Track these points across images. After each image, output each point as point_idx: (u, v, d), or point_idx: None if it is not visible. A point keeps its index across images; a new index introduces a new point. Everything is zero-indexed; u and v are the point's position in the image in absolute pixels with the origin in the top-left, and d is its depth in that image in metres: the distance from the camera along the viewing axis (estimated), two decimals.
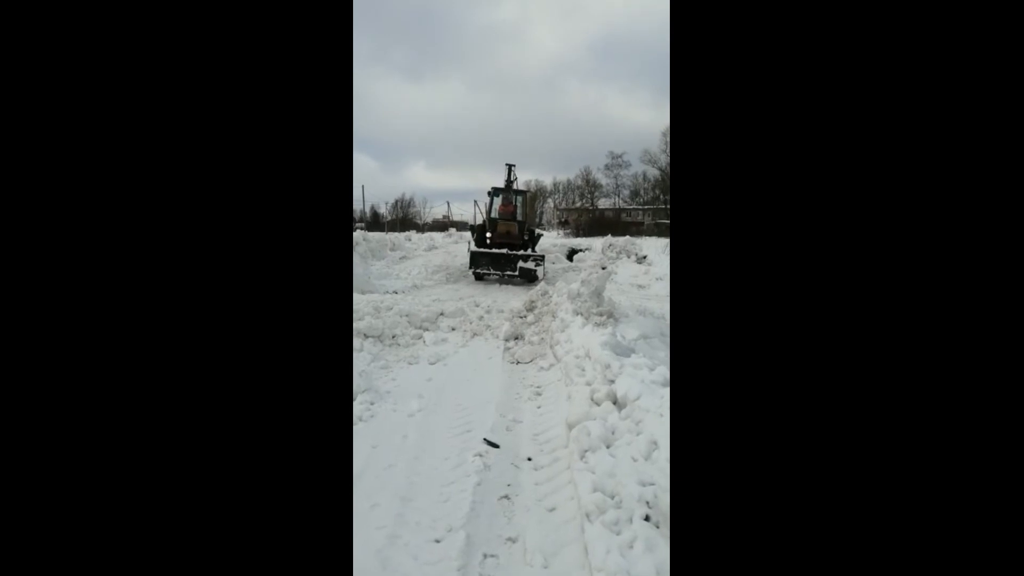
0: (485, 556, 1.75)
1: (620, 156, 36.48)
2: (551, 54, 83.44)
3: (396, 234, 17.93)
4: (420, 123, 69.73)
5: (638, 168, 36.01)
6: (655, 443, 2.08)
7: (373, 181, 68.87)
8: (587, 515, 1.78)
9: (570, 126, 56.49)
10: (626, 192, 37.55)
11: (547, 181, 43.00)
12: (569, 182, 40.70)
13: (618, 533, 1.64)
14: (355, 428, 2.84)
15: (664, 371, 2.84)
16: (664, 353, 4.23)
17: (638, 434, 2.20)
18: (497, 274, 9.27)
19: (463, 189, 72.40)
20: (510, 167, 11.27)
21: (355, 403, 3.19)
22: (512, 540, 1.85)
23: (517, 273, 9.07)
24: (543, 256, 9.59)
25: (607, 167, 37.35)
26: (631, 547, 1.58)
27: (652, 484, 1.82)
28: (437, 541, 1.82)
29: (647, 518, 1.70)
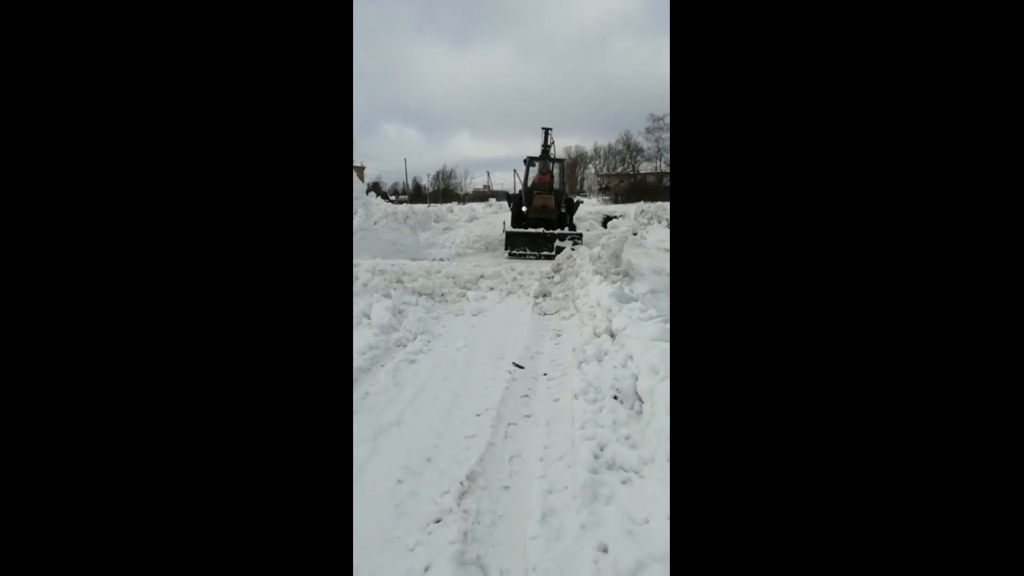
0: (509, 424, 2.68)
1: (661, 119, 35.85)
2: (605, 9, 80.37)
3: (438, 206, 18.93)
4: (466, 92, 70.04)
5: None
6: (631, 356, 2.92)
7: (417, 154, 70.12)
8: (575, 396, 2.69)
9: (619, 87, 55.19)
10: (668, 155, 37.00)
11: (588, 147, 42.76)
12: (610, 147, 40.44)
13: (593, 402, 2.55)
14: (418, 357, 3.83)
15: (653, 312, 3.65)
16: (666, 305, 5.00)
17: (620, 352, 3.06)
18: (534, 254, 8.97)
19: (505, 157, 73.12)
20: (546, 131, 10.70)
21: (415, 342, 4.18)
22: (528, 416, 2.78)
23: (554, 253, 8.56)
24: (581, 235, 9.19)
25: (648, 130, 36.86)
26: (600, 411, 2.47)
27: (621, 380, 2.69)
28: (478, 415, 2.78)
29: (615, 397, 2.58)
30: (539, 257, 8.81)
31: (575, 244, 8.27)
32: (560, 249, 8.40)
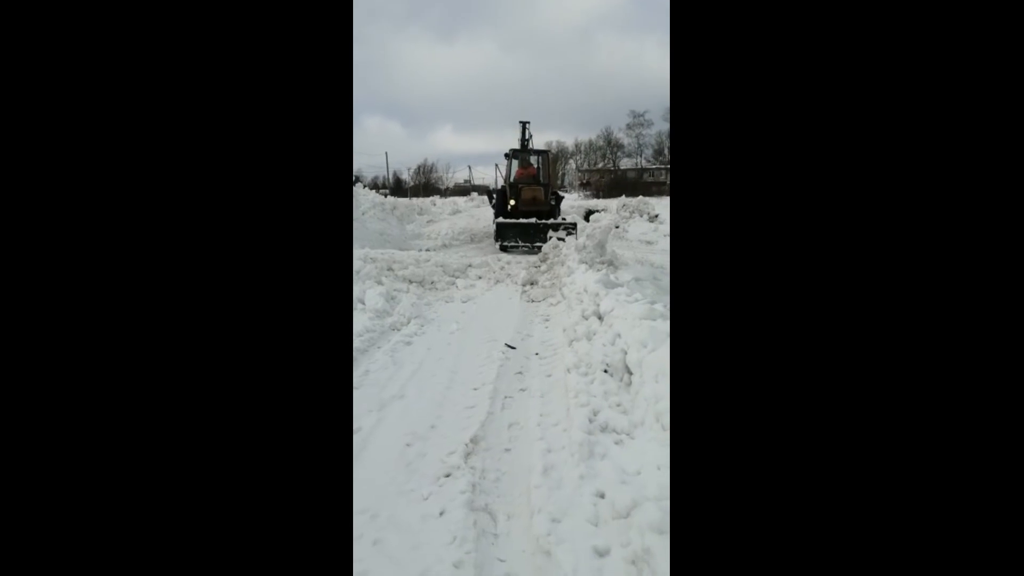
0: (505, 397, 2.84)
1: (642, 115, 36.34)
2: (589, 5, 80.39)
3: (422, 199, 18.93)
4: (450, 86, 68.82)
5: (662, 127, 35.84)
6: (619, 335, 3.10)
7: (399, 147, 69.17)
8: (567, 370, 2.86)
9: (601, 83, 55.05)
10: (649, 152, 37.52)
11: (569, 142, 42.95)
12: (591, 142, 40.76)
13: (585, 375, 2.72)
14: (413, 339, 3.95)
15: (638, 296, 3.84)
16: (650, 291, 5.22)
17: (608, 331, 3.24)
18: (527, 246, 8.49)
19: (487, 152, 72.87)
20: (524, 124, 10.47)
21: (409, 326, 4.30)
22: (523, 390, 2.94)
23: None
24: (575, 224, 8.68)
25: (629, 126, 37.35)
26: (592, 382, 2.65)
27: (610, 356, 2.87)
28: (475, 389, 2.93)
29: (605, 370, 2.76)
30: (532, 249, 8.22)
31: (569, 234, 7.79)
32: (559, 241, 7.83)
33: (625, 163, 38.23)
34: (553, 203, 9.90)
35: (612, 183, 31.47)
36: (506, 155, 10.53)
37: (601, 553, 1.54)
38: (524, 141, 10.61)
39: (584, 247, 6.00)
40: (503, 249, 8.58)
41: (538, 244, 8.10)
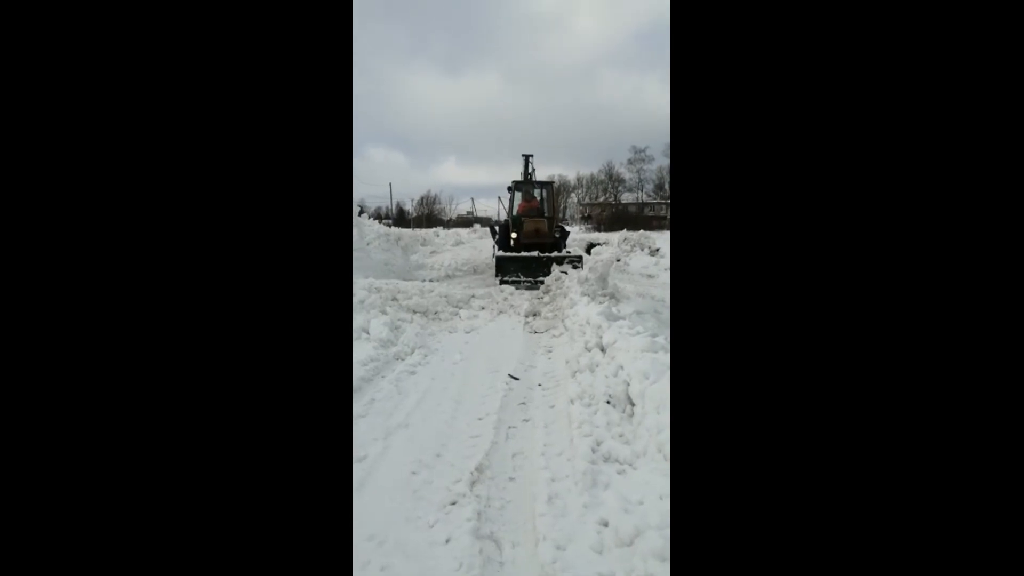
0: (509, 427, 2.88)
1: (643, 151, 37.16)
2: (594, 43, 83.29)
3: (426, 230, 19.23)
4: (454, 119, 70.69)
5: (662, 162, 36.61)
6: (621, 367, 3.16)
7: (402, 178, 70.43)
8: (571, 401, 2.91)
9: (603, 119, 56.54)
10: (650, 186, 38.22)
11: (571, 176, 43.76)
12: (592, 177, 41.52)
13: (588, 406, 2.77)
14: (417, 369, 4.00)
15: (640, 329, 3.91)
16: (651, 324, 5.29)
17: (611, 363, 3.30)
18: (529, 281, 8.00)
19: (490, 184, 74.29)
20: (527, 158, 10.44)
21: (413, 356, 4.35)
22: (526, 420, 2.97)
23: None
24: (580, 256, 8.34)
25: (630, 161, 38.16)
26: (595, 413, 2.69)
27: (613, 387, 2.92)
28: (479, 419, 2.97)
29: (608, 401, 2.81)
30: (534, 284, 7.75)
31: (574, 267, 7.53)
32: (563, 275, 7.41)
33: (626, 197, 38.91)
34: (558, 236, 9.70)
35: (613, 217, 31.94)
36: (509, 188, 10.39)
37: None
38: (527, 174, 10.61)
39: (586, 280, 6.11)
40: (504, 283, 8.11)
41: (541, 279, 7.71)
